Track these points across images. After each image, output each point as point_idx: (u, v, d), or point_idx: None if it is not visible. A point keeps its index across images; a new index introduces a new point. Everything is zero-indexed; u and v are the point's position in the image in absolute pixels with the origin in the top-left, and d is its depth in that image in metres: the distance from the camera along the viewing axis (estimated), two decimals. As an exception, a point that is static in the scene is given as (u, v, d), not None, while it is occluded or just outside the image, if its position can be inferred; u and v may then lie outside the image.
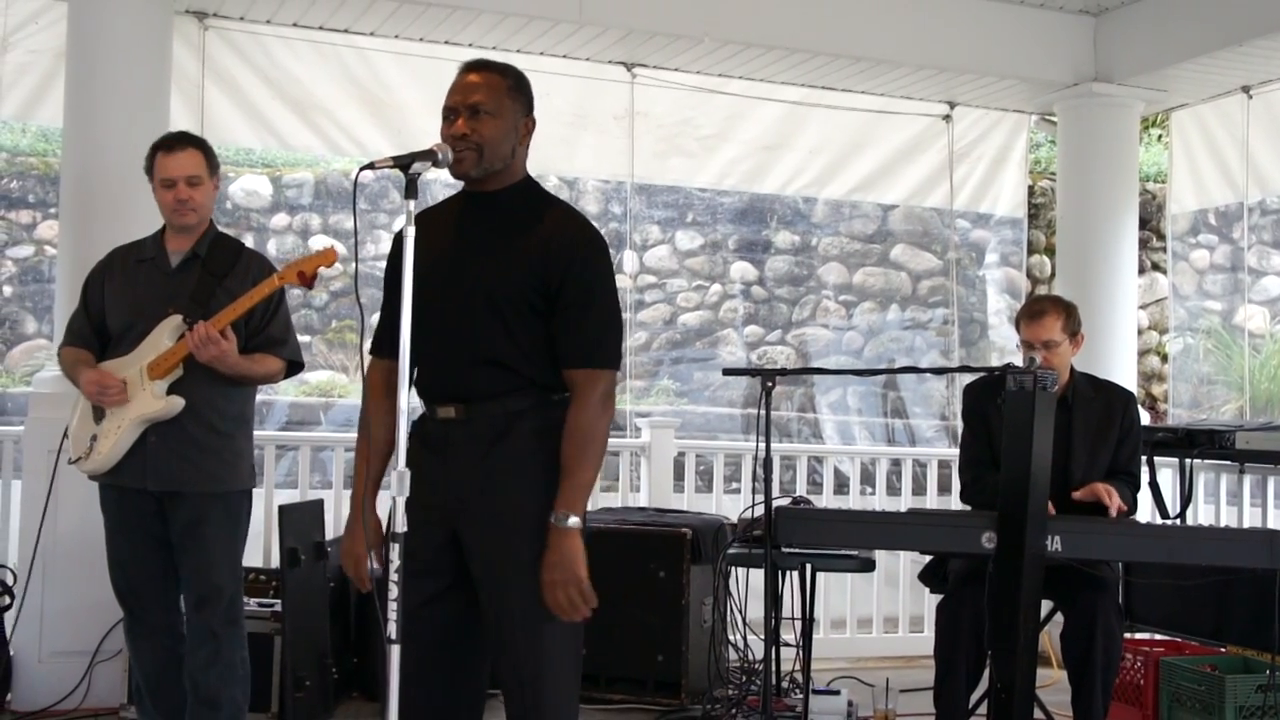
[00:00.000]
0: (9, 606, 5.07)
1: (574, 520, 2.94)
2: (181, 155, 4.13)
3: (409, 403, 2.83)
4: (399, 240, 2.90)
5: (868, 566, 5.15)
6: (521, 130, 3.11)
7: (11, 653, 5.11)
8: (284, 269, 3.99)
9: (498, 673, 3.08)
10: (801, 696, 5.02)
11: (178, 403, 3.99)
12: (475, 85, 3.07)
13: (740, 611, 5.58)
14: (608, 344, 3.07)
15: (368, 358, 3.23)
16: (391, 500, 2.78)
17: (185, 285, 4.09)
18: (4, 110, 6.22)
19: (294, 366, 4.22)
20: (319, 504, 5.53)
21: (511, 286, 3.01)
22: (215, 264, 4.14)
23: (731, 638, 5.74)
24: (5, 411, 8.66)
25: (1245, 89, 7.17)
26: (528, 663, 3.01)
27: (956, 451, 5.05)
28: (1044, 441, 4.05)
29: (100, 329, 4.17)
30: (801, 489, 6.81)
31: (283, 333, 4.19)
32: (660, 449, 6.70)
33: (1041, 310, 4.79)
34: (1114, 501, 4.53)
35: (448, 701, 3.12)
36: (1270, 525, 5.97)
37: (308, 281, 3.95)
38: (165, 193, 4.12)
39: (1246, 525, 5.94)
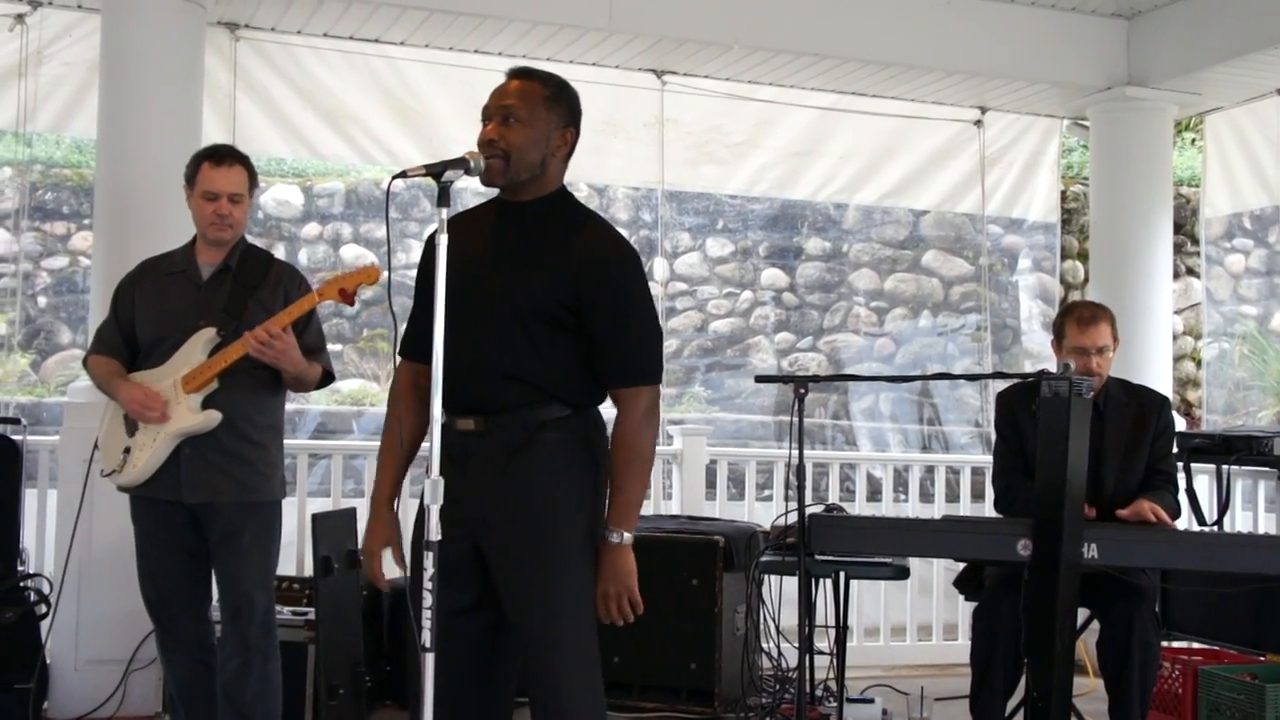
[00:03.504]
0: (45, 615, 5.09)
1: (626, 537, 3.01)
2: (229, 171, 4.13)
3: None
4: (431, 243, 2.89)
5: (902, 574, 5.13)
6: (556, 141, 3.09)
7: (48, 661, 5.13)
8: (325, 284, 3.98)
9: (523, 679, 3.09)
10: (835, 705, 5.00)
11: (215, 417, 3.99)
12: (511, 92, 3.07)
13: (773, 619, 5.56)
14: (649, 358, 3.09)
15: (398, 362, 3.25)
16: (423, 508, 2.78)
17: (217, 298, 4.09)
18: (39, 122, 6.26)
19: (327, 376, 4.22)
20: (352, 512, 5.53)
21: (539, 301, 3.00)
22: (247, 276, 4.14)
23: (765, 646, 5.72)
24: (41, 421, 8.71)
25: (1280, 91, 7.11)
26: (547, 670, 3.03)
27: (990, 458, 5.03)
28: (1079, 448, 4.02)
29: (129, 339, 4.17)
30: (834, 496, 6.78)
31: (319, 341, 4.19)
32: (692, 456, 6.69)
33: (1094, 316, 4.74)
34: (1161, 519, 4.49)
35: (476, 709, 3.12)
36: (1309, 532, 5.91)
37: (349, 299, 3.93)
38: (205, 205, 4.11)
39: (1285, 532, 5.88)
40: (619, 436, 3.05)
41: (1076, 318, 4.78)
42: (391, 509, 3.18)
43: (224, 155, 4.19)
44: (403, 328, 3.24)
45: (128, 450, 4.04)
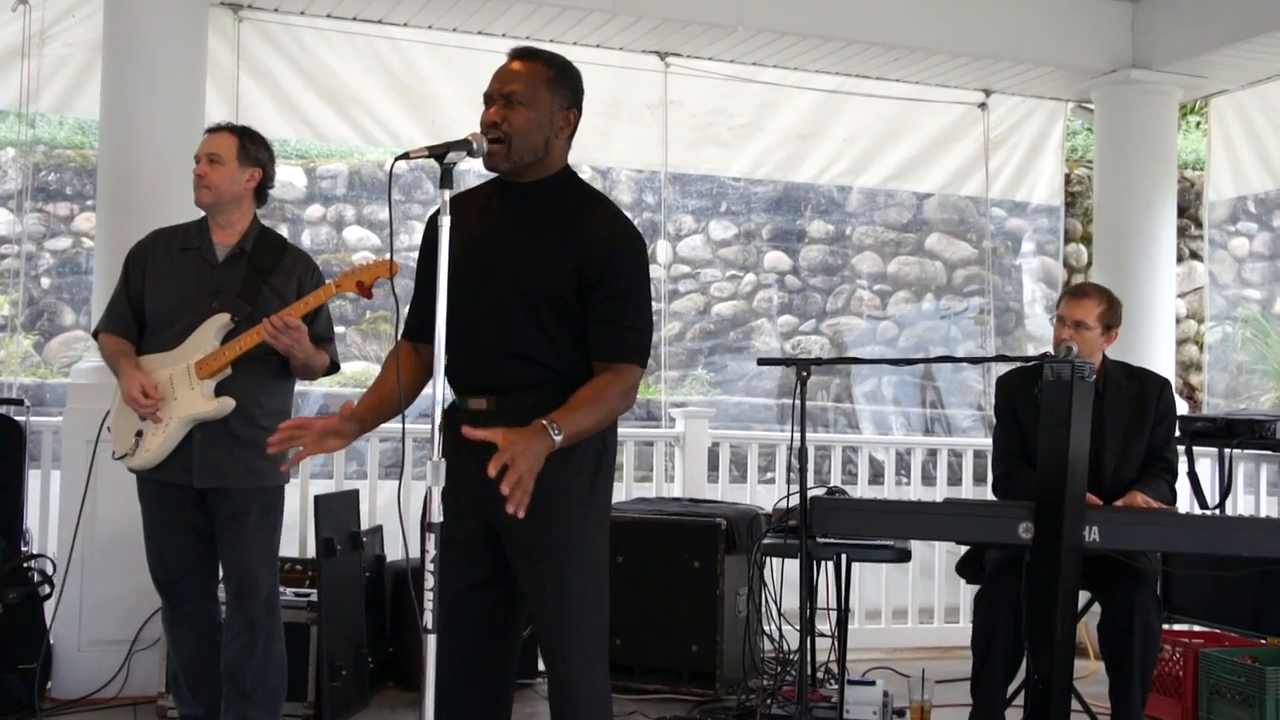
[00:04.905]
0: (49, 596, 5.11)
1: (559, 438, 2.87)
2: (214, 136, 4.19)
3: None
4: (432, 224, 2.89)
5: (903, 557, 5.13)
6: (560, 123, 3.08)
7: (51, 641, 5.15)
8: (342, 277, 3.97)
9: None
10: (837, 687, 5.01)
11: (229, 404, 4.00)
12: (514, 74, 3.05)
13: (775, 602, 5.57)
14: (639, 341, 3.09)
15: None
16: (427, 490, 2.79)
17: (231, 281, 4.10)
18: (42, 103, 6.25)
19: (333, 366, 4.23)
20: (354, 494, 5.55)
21: (546, 282, 3.01)
22: (261, 261, 4.14)
23: (766, 628, 5.73)
24: (44, 402, 8.73)
25: (1285, 75, 7.09)
26: (560, 644, 3.05)
27: (991, 442, 5.04)
28: (1081, 431, 4.03)
29: (139, 313, 4.18)
30: (836, 479, 6.79)
31: (327, 331, 4.20)
32: (695, 439, 6.69)
33: (1085, 292, 4.83)
34: (1155, 508, 4.49)
35: (481, 687, 3.15)
36: (1311, 515, 5.92)
37: (366, 291, 3.93)
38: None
39: (1287, 516, 5.88)
40: (595, 383, 3.00)
41: (1069, 290, 4.92)
42: (350, 422, 3.10)
43: (218, 125, 4.29)
44: (406, 309, 3.24)
45: (139, 434, 4.05)
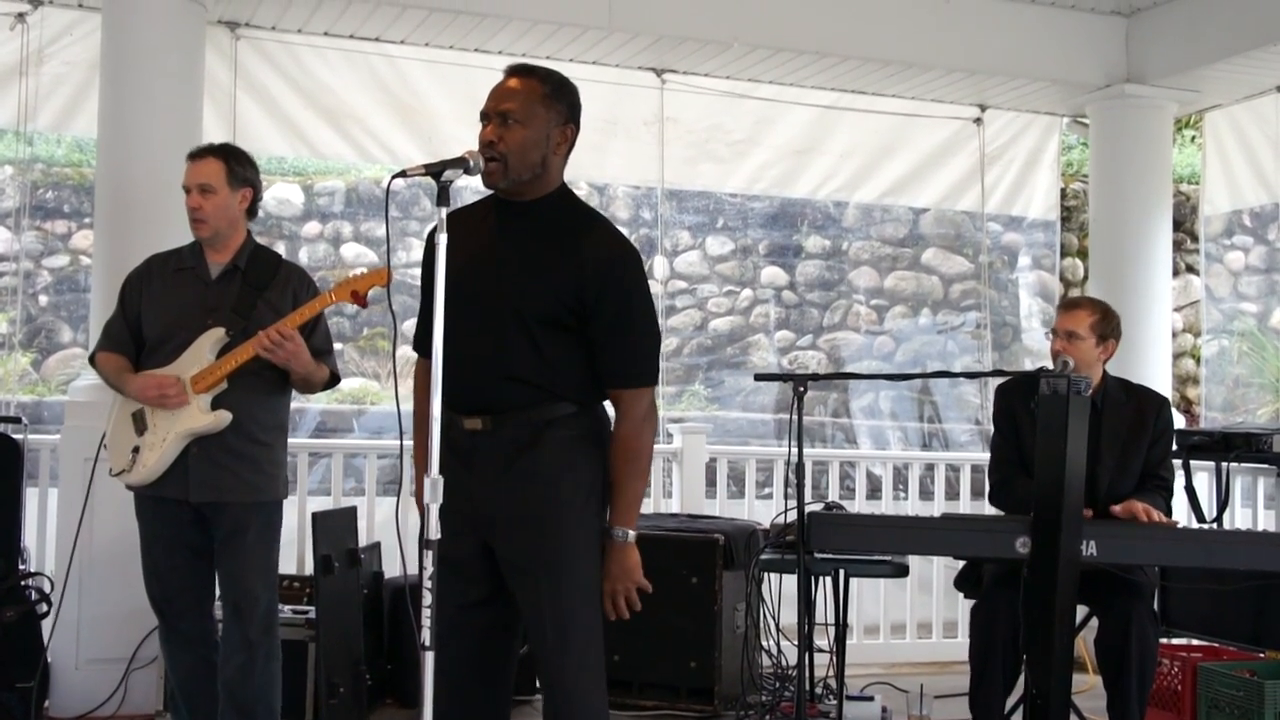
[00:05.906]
0: (46, 614, 5.10)
1: (630, 535, 3.06)
2: (199, 164, 4.14)
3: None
4: (432, 241, 2.90)
5: (901, 572, 5.13)
6: (557, 139, 3.08)
7: (49, 659, 5.14)
8: (336, 286, 3.97)
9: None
10: (835, 702, 5.01)
11: (225, 417, 3.99)
12: (509, 92, 3.06)
13: (773, 617, 5.57)
14: (649, 361, 3.13)
15: (401, 363, 3.26)
16: (425, 507, 2.79)
17: (226, 297, 4.09)
18: (40, 122, 6.26)
19: (333, 378, 4.22)
20: (352, 511, 5.55)
21: (543, 305, 3.01)
22: (255, 276, 4.13)
23: (764, 644, 5.73)
24: (42, 420, 8.72)
25: (1280, 89, 7.12)
26: (557, 662, 3.05)
27: (989, 456, 5.04)
28: (1078, 445, 4.03)
29: (135, 335, 4.17)
30: (834, 494, 6.78)
31: (326, 343, 4.19)
32: (692, 455, 6.69)
33: (1077, 303, 4.87)
34: (1154, 519, 4.48)
35: (479, 704, 3.15)
36: (1308, 529, 5.91)
37: (361, 300, 3.93)
38: (186, 201, 4.14)
39: (1284, 529, 5.88)
40: (620, 436, 3.08)
41: (1062, 303, 4.97)
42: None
43: (200, 150, 4.22)
44: (403, 326, 3.25)
45: (136, 449, 4.04)
